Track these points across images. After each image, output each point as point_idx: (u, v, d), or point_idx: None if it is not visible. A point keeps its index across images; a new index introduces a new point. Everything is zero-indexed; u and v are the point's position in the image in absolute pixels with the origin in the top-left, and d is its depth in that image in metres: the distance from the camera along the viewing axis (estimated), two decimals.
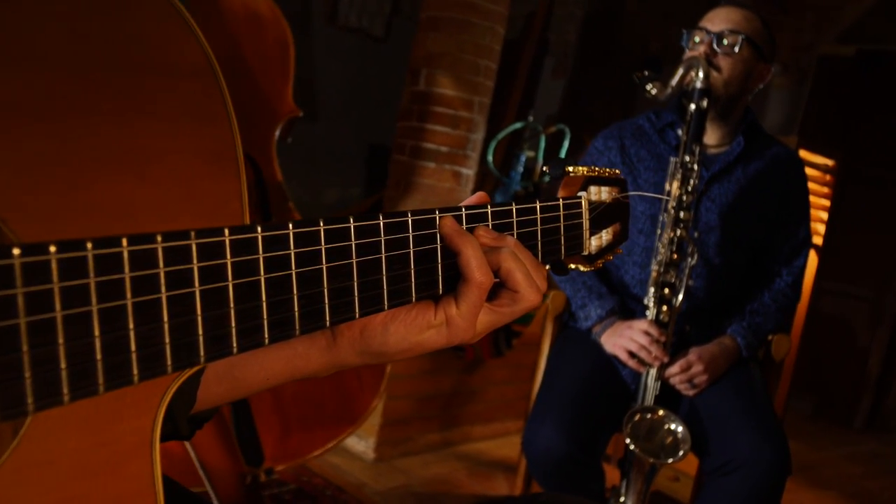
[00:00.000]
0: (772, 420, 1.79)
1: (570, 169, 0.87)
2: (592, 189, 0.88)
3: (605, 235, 0.91)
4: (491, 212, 0.73)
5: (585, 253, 0.88)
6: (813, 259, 3.42)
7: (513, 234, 0.75)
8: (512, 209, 0.75)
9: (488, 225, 0.72)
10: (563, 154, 4.48)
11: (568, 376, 1.90)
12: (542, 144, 4.42)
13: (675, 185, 1.81)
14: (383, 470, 2.81)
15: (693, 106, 1.80)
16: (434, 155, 3.27)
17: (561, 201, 0.82)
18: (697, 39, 1.89)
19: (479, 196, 0.76)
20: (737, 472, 1.71)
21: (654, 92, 1.79)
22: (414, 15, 3.37)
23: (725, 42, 1.85)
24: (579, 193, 0.86)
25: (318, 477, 2.61)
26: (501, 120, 4.87)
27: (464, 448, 3.18)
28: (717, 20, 1.88)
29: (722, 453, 1.75)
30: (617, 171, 0.93)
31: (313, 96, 5.09)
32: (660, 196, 1.91)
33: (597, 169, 0.90)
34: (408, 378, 2.91)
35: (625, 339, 1.85)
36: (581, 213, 0.85)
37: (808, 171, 2.07)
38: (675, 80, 1.79)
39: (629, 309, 1.99)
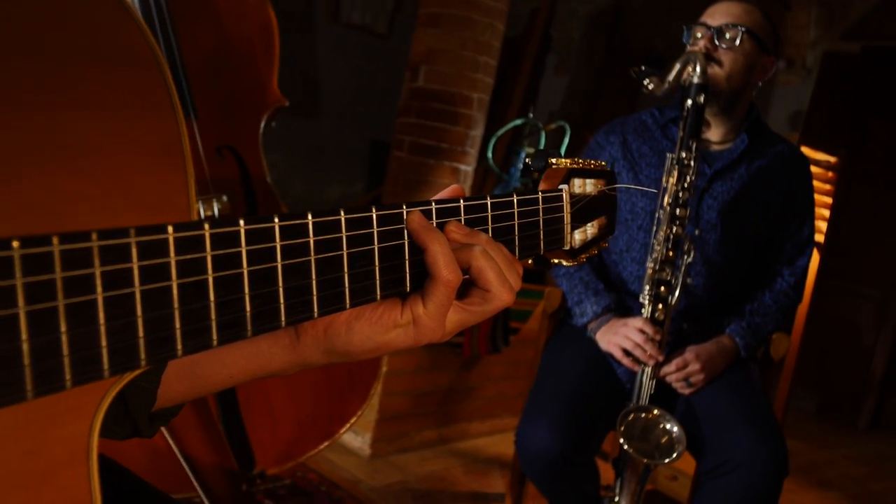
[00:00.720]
0: (769, 420, 1.76)
1: (553, 161, 0.84)
2: (576, 181, 0.85)
3: (591, 229, 0.88)
4: (464, 206, 0.70)
5: (567, 247, 0.85)
6: (815, 257, 3.39)
7: (487, 229, 0.72)
8: (487, 203, 0.72)
9: (460, 220, 0.69)
10: (562, 151, 4.45)
11: (562, 374, 1.88)
12: (543, 141, 4.40)
13: (671, 181, 1.78)
14: (379, 466, 2.79)
15: (690, 101, 1.77)
16: (433, 151, 3.25)
17: (540, 194, 0.79)
18: (699, 35, 1.87)
19: (453, 189, 0.74)
20: (733, 472, 1.69)
21: (651, 87, 1.77)
22: (416, 12, 3.35)
23: (726, 36, 1.83)
24: (561, 186, 0.83)
25: (313, 472, 2.59)
26: (504, 117, 4.85)
27: (460, 445, 3.16)
28: (717, 14, 1.87)
29: (718, 454, 1.73)
30: (603, 162, 0.90)
31: (317, 93, 5.07)
32: (649, 189, 1.89)
33: (581, 161, 0.86)
34: (404, 374, 2.89)
35: (619, 337, 1.83)
36: (562, 206, 0.83)
37: (811, 168, 2.04)
38: (671, 76, 1.77)
39: (626, 306, 1.96)
